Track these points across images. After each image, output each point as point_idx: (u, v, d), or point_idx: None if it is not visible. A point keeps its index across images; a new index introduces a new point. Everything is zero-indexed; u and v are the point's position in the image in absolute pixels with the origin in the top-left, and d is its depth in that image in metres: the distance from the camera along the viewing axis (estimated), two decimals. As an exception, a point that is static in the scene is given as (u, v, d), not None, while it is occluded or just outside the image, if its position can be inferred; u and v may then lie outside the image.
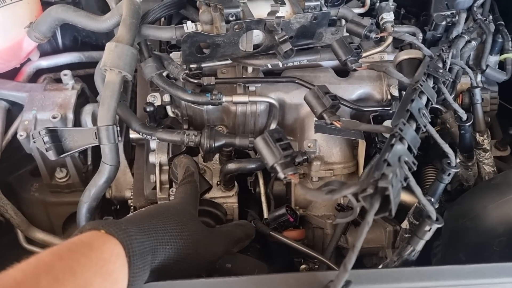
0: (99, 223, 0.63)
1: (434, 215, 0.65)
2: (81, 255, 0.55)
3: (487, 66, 1.21)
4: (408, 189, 0.66)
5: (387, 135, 1.05)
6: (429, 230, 0.67)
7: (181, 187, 0.91)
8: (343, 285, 0.59)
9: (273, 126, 1.16)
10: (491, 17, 1.30)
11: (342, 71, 1.19)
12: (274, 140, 0.66)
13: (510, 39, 1.25)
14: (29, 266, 0.52)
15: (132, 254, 0.60)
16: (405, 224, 0.89)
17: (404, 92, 1.00)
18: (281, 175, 0.65)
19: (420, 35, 1.20)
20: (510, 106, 1.36)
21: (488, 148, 1.06)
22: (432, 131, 0.77)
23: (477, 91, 1.06)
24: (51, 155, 0.98)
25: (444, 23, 1.18)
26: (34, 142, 0.98)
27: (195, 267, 0.73)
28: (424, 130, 0.76)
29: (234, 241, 0.86)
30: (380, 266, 0.80)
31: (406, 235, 0.89)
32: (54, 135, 0.98)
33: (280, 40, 1.01)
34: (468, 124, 0.95)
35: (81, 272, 0.53)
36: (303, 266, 1.06)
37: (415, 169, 0.66)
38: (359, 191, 0.58)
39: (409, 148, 0.69)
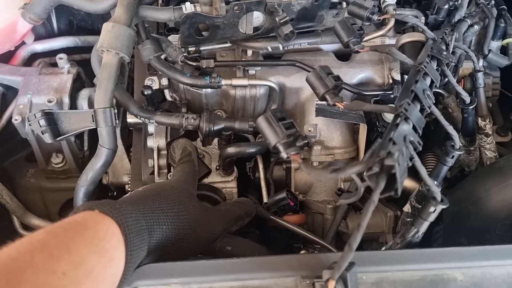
0: (92, 203, 0.61)
1: (439, 196, 0.64)
2: (75, 233, 0.54)
3: (489, 51, 1.20)
4: (412, 170, 0.65)
5: (389, 120, 1.05)
6: (434, 212, 0.66)
7: (178, 166, 0.89)
8: (346, 267, 0.58)
9: (272, 110, 1.14)
10: (493, 1, 1.28)
11: (343, 55, 1.18)
12: (276, 119, 0.64)
13: (512, 23, 1.23)
14: (23, 244, 0.50)
15: (128, 232, 0.59)
16: (407, 208, 0.88)
17: (407, 76, 0.98)
18: (283, 154, 0.63)
19: (423, 19, 1.18)
20: (509, 93, 1.35)
21: (490, 133, 1.05)
22: (437, 112, 0.76)
23: (480, 75, 1.04)
24: (47, 138, 0.96)
25: (446, 6, 1.16)
26: (30, 125, 0.96)
27: (193, 248, 0.72)
28: (429, 111, 0.75)
29: (233, 220, 0.84)
30: (383, 248, 0.79)
31: (408, 219, 0.88)
32: (50, 117, 0.97)
33: (281, 21, 0.99)
34: (471, 107, 0.94)
35: (76, 249, 0.52)
36: (302, 252, 1.05)
37: (420, 149, 0.64)
38: (364, 170, 0.57)
39: (414, 129, 0.68)
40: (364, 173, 0.56)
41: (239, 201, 0.95)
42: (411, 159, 0.62)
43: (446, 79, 0.93)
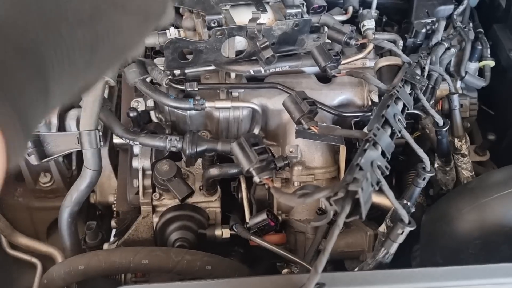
0: None
1: (406, 218, 0.67)
2: None
3: (466, 72, 1.24)
4: (392, 189, 0.67)
5: (368, 140, 1.08)
6: (402, 233, 0.68)
7: None
8: None
9: (256, 131, 1.17)
10: (471, 24, 1.33)
11: (324, 77, 1.21)
12: (250, 144, 0.67)
13: (488, 46, 1.27)
14: None
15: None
16: (382, 228, 0.90)
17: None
18: (256, 179, 0.66)
19: (401, 42, 1.22)
20: (491, 111, 1.38)
21: (466, 153, 1.08)
22: (407, 136, 0.79)
23: (455, 97, 1.08)
24: (33, 160, 0.99)
25: (424, 30, 1.20)
26: (16, 147, 0.98)
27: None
28: (399, 135, 0.78)
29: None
30: (356, 269, 0.81)
31: (383, 239, 0.90)
32: (36, 139, 0.99)
33: (262, 46, 1.02)
34: (444, 129, 0.97)
35: None
36: (285, 270, 1.07)
37: (388, 173, 0.67)
38: (331, 195, 0.59)
39: (383, 153, 0.70)
40: (331, 198, 0.59)
41: None
42: (378, 183, 0.64)
43: (420, 102, 0.97)
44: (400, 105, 0.84)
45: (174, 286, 0.66)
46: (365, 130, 1.04)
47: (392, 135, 0.77)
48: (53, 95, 0.39)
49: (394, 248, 0.71)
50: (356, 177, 0.60)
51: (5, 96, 0.34)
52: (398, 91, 0.84)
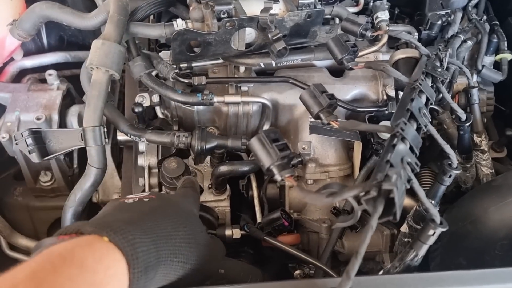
0: (103, 226, 0.53)
1: (438, 218, 0.63)
2: (67, 279, 0.46)
3: (483, 66, 1.20)
4: (409, 191, 0.63)
5: (384, 137, 1.03)
6: (433, 234, 0.64)
7: (181, 189, 0.84)
8: (344, 294, 0.55)
9: (266, 127, 1.13)
10: (485, 17, 1.29)
11: (337, 71, 1.17)
12: (270, 140, 0.62)
13: (505, 39, 1.23)
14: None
15: (135, 271, 0.52)
16: (404, 228, 0.86)
17: (401, 92, 0.97)
18: (277, 177, 0.61)
19: (416, 35, 1.18)
20: (503, 107, 1.34)
21: (486, 149, 1.04)
22: (433, 131, 0.74)
23: (475, 91, 1.03)
24: (34, 158, 0.94)
25: (439, 22, 1.16)
26: (17, 144, 0.93)
27: (190, 283, 0.64)
28: (425, 130, 0.73)
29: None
30: (381, 272, 0.76)
31: (405, 239, 0.86)
32: (37, 136, 0.94)
33: (274, 38, 0.98)
34: (467, 124, 0.93)
35: None
36: (297, 272, 1.03)
37: (418, 170, 0.63)
38: (361, 194, 0.55)
39: (411, 149, 0.66)
40: (362, 197, 0.55)
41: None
42: (408, 181, 0.60)
43: (441, 95, 0.92)
44: (423, 99, 0.80)
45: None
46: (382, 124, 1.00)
47: (417, 130, 0.72)
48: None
49: (424, 250, 0.67)
50: (388, 175, 0.55)
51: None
52: (420, 84, 0.80)
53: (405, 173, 0.59)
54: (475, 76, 1.22)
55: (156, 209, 0.65)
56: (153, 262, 0.56)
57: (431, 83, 0.88)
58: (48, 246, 0.50)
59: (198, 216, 0.73)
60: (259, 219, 1.05)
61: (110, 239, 0.52)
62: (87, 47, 1.48)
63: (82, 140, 0.92)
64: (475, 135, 1.04)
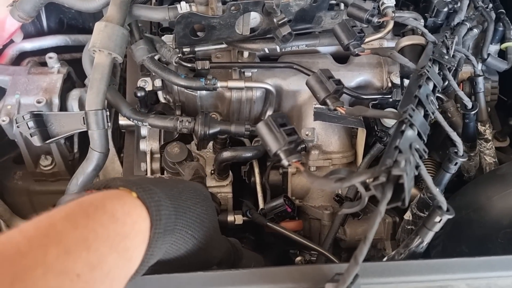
0: (133, 182, 0.54)
1: (445, 205, 0.62)
2: (99, 225, 0.47)
3: (489, 54, 1.19)
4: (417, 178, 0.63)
5: (387, 124, 1.03)
6: (440, 221, 0.63)
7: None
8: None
9: (269, 113, 1.12)
10: (491, 5, 1.27)
11: (340, 58, 1.15)
12: (278, 125, 0.62)
13: (511, 27, 1.22)
14: (38, 233, 0.43)
15: (157, 231, 0.53)
16: (407, 216, 0.86)
17: (406, 80, 0.96)
18: (285, 162, 0.61)
19: (422, 21, 1.16)
20: (505, 97, 1.34)
21: (489, 138, 1.04)
22: (440, 118, 0.74)
23: (481, 79, 1.03)
24: (36, 141, 0.93)
25: (446, 9, 1.14)
26: (18, 127, 0.92)
27: (194, 265, 0.65)
28: (432, 117, 0.73)
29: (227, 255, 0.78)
30: (385, 259, 0.76)
31: (409, 227, 0.86)
32: (39, 119, 0.93)
33: (279, 23, 0.96)
34: (473, 112, 0.92)
35: (96, 246, 0.45)
36: (298, 258, 1.03)
37: (426, 157, 0.62)
38: (370, 180, 0.54)
39: (419, 135, 0.65)
40: (370, 183, 0.54)
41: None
42: (416, 167, 0.60)
43: (446, 82, 0.92)
44: (430, 86, 0.79)
45: (196, 276, 0.61)
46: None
47: (425, 117, 0.71)
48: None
49: (429, 237, 0.67)
50: (398, 160, 0.55)
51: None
52: (428, 71, 0.79)
53: (413, 159, 0.59)
54: (479, 65, 1.21)
55: (178, 183, 0.68)
56: (171, 228, 0.57)
57: (438, 70, 0.87)
58: (76, 197, 0.51)
59: (213, 204, 0.74)
60: (261, 205, 1.05)
61: (138, 195, 0.53)
62: (86, 31, 1.47)
63: (84, 123, 0.91)
64: (479, 123, 1.04)
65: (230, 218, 1.01)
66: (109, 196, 0.52)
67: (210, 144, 1.08)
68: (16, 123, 0.93)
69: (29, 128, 0.92)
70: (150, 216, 0.53)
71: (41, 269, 0.40)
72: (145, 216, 0.53)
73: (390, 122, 1.04)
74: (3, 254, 0.40)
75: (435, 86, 0.80)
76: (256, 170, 1.08)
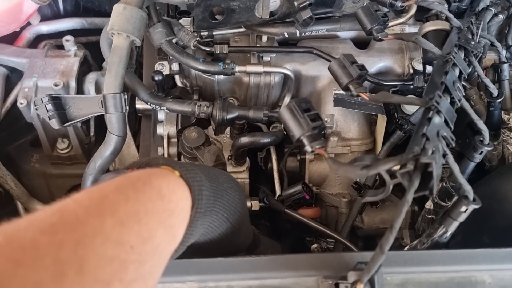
0: (175, 163, 0.55)
1: (471, 195, 0.61)
2: (148, 200, 0.48)
3: (514, 41, 1.15)
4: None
5: (408, 112, 1.01)
6: (465, 211, 0.62)
7: None
8: (374, 268, 0.54)
9: (287, 99, 1.10)
10: (516, -10, 1.23)
11: (360, 43, 1.13)
12: (301, 110, 0.60)
13: (538, 13, 1.18)
14: (93, 203, 0.44)
15: (198, 210, 0.54)
16: (428, 205, 0.84)
17: (429, 66, 0.94)
18: (308, 148, 0.59)
19: (446, 6, 1.13)
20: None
21: (513, 127, 1.01)
22: (467, 105, 0.72)
23: (506, 66, 1.00)
24: (54, 124, 0.93)
25: (470, -6, 1.11)
26: (36, 109, 0.92)
27: (225, 249, 0.66)
28: (459, 104, 0.71)
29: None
30: (406, 248, 0.75)
31: (429, 216, 0.84)
32: (57, 102, 0.93)
33: (300, 6, 0.94)
34: (498, 100, 0.90)
35: (146, 221, 0.46)
36: (314, 245, 1.03)
37: (454, 144, 0.61)
38: (397, 167, 0.53)
39: (446, 123, 0.64)
40: (397, 171, 0.53)
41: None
42: (444, 155, 0.58)
43: (470, 69, 0.89)
44: (456, 72, 0.77)
45: (217, 262, 0.61)
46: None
47: (451, 104, 0.70)
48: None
49: (454, 226, 0.66)
50: (426, 148, 0.53)
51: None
52: (454, 57, 0.77)
53: (441, 147, 0.57)
54: (504, 52, 1.18)
55: (214, 167, 0.69)
56: (210, 208, 0.58)
57: (463, 56, 0.85)
58: (119, 175, 0.51)
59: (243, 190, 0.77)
60: (278, 191, 1.04)
61: (181, 174, 0.54)
62: (103, 14, 1.46)
63: (102, 107, 0.91)
64: (503, 112, 1.01)
65: (247, 204, 1.00)
66: (154, 173, 0.53)
67: (227, 129, 1.07)
68: (35, 105, 0.93)
69: (47, 111, 0.91)
70: (192, 195, 0.54)
71: (100, 237, 0.41)
72: (187, 195, 0.54)
73: (410, 109, 1.02)
74: (64, 221, 0.40)
75: (461, 72, 0.78)
76: (274, 156, 1.07)
